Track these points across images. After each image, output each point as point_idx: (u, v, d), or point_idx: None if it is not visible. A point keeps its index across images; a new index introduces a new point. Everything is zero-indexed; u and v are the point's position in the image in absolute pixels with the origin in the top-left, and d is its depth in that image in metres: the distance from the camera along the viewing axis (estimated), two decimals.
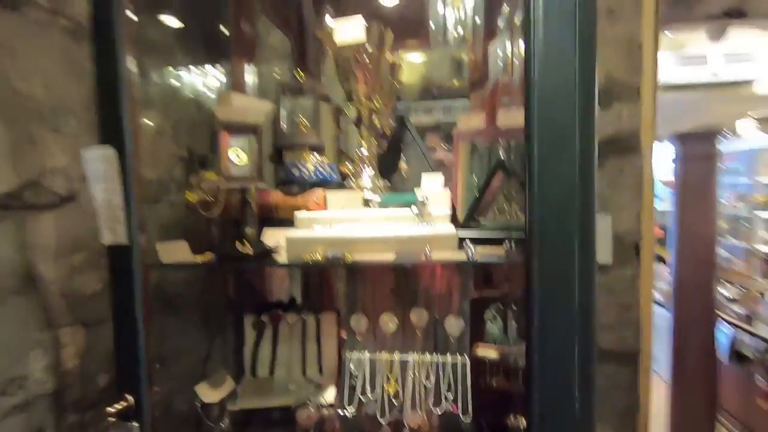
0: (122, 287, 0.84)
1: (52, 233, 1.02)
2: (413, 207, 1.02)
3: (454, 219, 1.08)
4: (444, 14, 1.25)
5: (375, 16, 1.67)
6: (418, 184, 1.22)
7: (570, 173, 0.69)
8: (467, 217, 1.05)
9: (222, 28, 1.49)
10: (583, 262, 0.75)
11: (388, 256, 0.95)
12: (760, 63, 3.70)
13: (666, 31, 3.01)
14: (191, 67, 1.44)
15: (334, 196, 1.10)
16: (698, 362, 4.57)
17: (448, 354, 1.23)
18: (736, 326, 5.15)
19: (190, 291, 1.43)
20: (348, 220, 1.05)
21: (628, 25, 1.35)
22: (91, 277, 1.05)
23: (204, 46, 1.49)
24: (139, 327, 0.83)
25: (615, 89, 1.38)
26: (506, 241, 0.94)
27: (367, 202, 1.15)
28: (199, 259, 0.99)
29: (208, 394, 1.12)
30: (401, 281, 1.35)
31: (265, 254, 1.01)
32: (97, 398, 1.05)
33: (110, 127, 0.84)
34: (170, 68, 1.35)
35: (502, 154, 1.05)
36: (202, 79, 1.46)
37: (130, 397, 0.83)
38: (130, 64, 0.95)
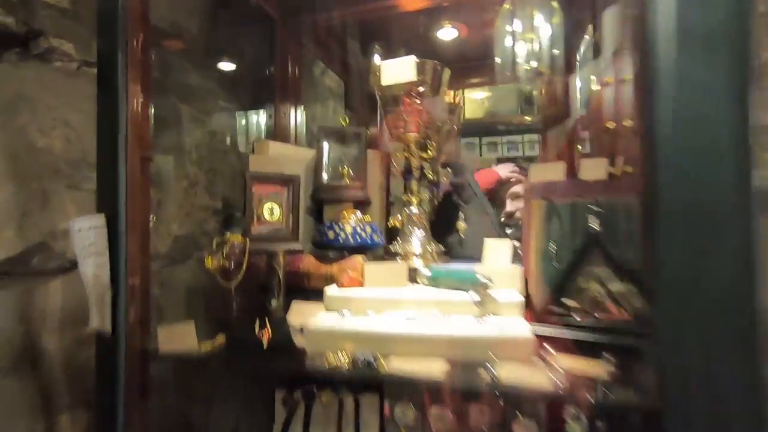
0: (104, 376, 0.70)
1: (58, 301, 0.92)
2: (472, 291, 0.78)
3: (528, 305, 0.82)
4: (513, 47, 1.04)
5: (431, 53, 1.51)
6: (479, 249, 0.99)
7: (726, 266, 0.44)
8: (545, 306, 0.79)
9: (269, 70, 1.39)
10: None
11: (434, 365, 0.72)
12: None
13: None
14: (233, 111, 1.35)
15: (373, 268, 0.90)
16: None
17: None
18: None
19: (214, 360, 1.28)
20: (388, 302, 0.84)
21: None
22: None
23: (249, 89, 1.40)
24: (119, 416, 0.67)
25: None
26: (604, 352, 0.66)
27: (414, 277, 0.93)
28: (204, 347, 0.83)
29: None
30: None
31: (285, 345, 0.83)
32: None
33: (106, 189, 0.71)
34: (209, 113, 1.25)
35: (592, 221, 0.78)
36: (244, 125, 1.36)
37: None
38: (148, 108, 0.83)
